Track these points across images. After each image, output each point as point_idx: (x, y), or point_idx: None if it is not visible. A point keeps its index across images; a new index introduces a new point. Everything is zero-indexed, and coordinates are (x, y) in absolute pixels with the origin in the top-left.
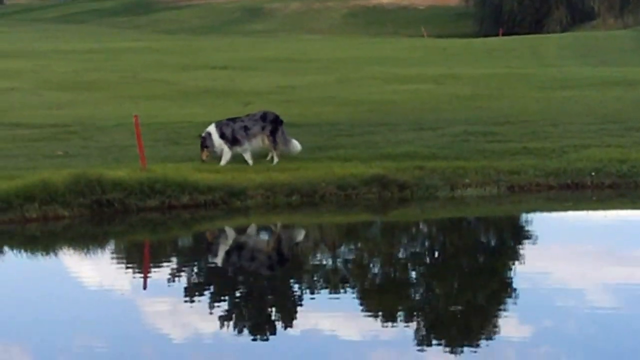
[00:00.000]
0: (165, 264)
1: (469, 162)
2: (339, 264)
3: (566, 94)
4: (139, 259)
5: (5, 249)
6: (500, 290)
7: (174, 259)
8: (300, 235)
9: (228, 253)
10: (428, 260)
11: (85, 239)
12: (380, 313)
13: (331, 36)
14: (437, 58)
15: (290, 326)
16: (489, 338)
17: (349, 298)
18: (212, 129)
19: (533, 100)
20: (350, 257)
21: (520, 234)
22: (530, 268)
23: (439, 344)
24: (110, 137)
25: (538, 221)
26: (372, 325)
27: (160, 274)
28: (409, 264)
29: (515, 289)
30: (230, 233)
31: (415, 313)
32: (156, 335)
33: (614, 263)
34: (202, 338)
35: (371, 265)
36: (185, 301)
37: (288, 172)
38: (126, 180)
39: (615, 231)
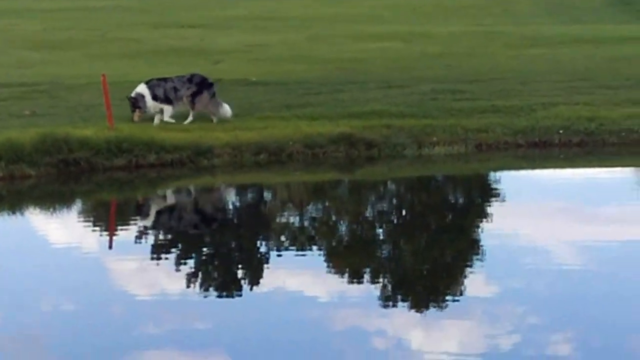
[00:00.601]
0: (132, 222)
1: (437, 121)
2: (306, 223)
3: (536, 51)
4: (106, 218)
5: None
6: (467, 248)
7: (141, 218)
8: (266, 194)
9: (194, 212)
10: (395, 218)
11: (52, 198)
12: (346, 272)
13: None
14: (408, 16)
15: (257, 284)
16: (456, 296)
17: (315, 257)
18: (144, 90)
19: (503, 58)
20: (318, 215)
21: (487, 192)
22: (498, 226)
23: (405, 303)
24: (78, 97)
25: (506, 179)
26: (339, 284)
27: (126, 233)
28: (376, 223)
29: (482, 248)
30: (196, 192)
31: (381, 272)
32: (122, 294)
33: (581, 221)
34: (169, 296)
35: (338, 223)
36: (152, 260)
37: (255, 131)
38: (93, 139)
39: (583, 189)
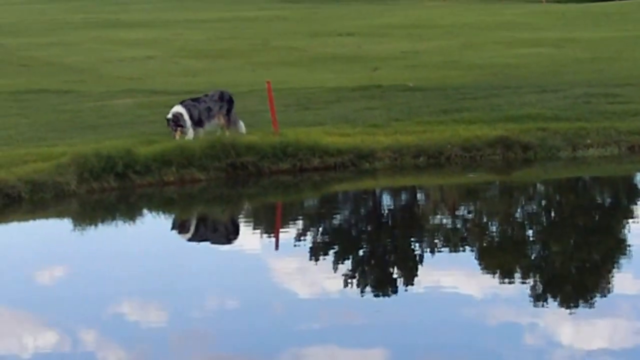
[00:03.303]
0: (295, 224)
1: (590, 123)
2: (460, 224)
3: None
4: (272, 219)
5: (145, 210)
6: (616, 248)
7: (304, 220)
8: (422, 196)
9: (352, 214)
10: (552, 219)
11: (221, 201)
12: (498, 271)
13: (454, 3)
14: (556, 23)
15: (412, 284)
16: (604, 295)
17: (468, 256)
18: (181, 110)
19: None
20: (473, 216)
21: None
22: None
23: (555, 301)
24: (243, 103)
25: None
26: (491, 283)
27: (291, 234)
28: (532, 223)
29: (631, 247)
30: (356, 195)
31: (532, 270)
32: (285, 292)
33: None
34: (328, 295)
35: (491, 224)
36: (311, 260)
37: (415, 135)
38: (259, 144)
39: None
